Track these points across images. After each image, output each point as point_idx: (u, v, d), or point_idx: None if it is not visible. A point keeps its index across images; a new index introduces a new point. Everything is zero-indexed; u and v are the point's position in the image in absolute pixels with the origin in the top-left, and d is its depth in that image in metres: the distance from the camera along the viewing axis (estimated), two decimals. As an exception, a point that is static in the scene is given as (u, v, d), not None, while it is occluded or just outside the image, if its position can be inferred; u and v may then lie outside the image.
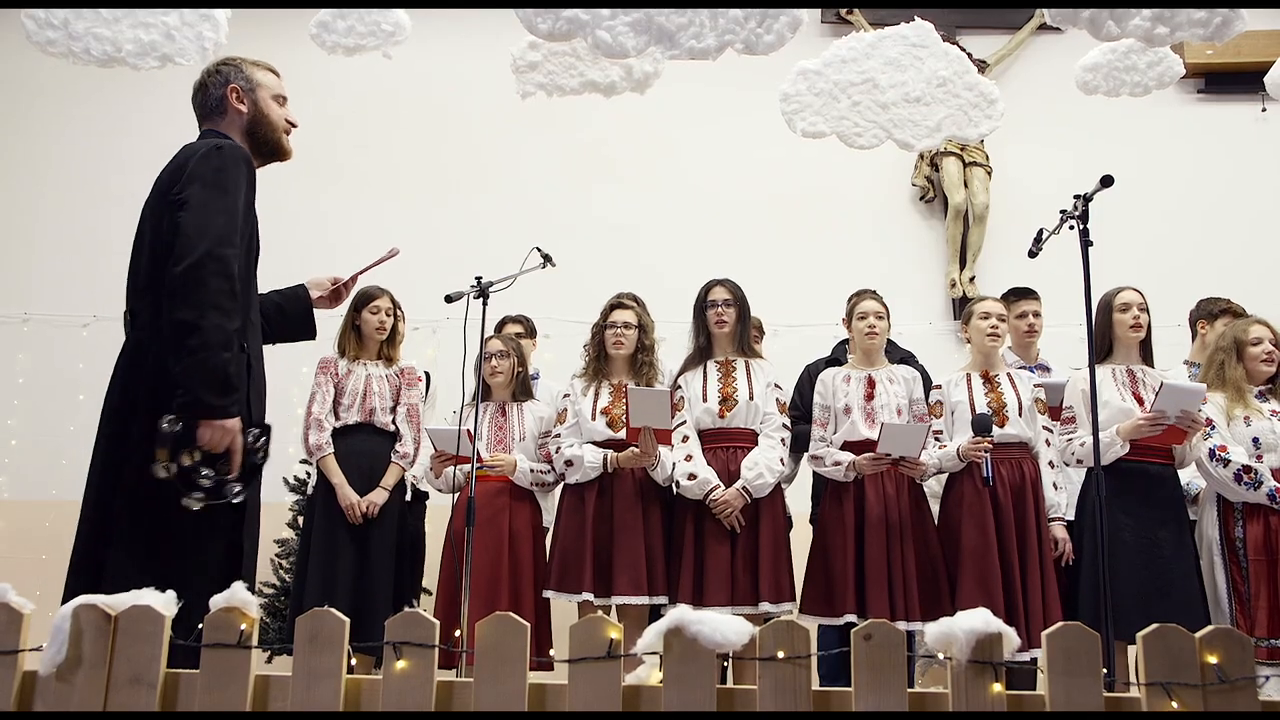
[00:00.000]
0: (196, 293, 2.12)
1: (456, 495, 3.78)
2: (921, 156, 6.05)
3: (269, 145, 2.50)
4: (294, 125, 2.56)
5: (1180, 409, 3.33)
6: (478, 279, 3.49)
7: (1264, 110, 6.14)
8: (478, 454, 3.50)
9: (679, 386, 3.78)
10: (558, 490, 3.90)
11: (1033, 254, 3.24)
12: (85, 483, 2.26)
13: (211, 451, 2.14)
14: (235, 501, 2.19)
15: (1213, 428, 3.45)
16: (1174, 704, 1.51)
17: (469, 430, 3.55)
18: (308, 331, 2.73)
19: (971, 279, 5.95)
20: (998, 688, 1.53)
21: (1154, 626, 1.56)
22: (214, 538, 2.21)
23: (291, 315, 2.68)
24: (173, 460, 2.11)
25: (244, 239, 2.29)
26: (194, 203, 2.18)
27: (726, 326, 3.79)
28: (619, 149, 6.16)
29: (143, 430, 2.15)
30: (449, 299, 3.46)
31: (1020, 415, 3.61)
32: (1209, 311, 4.11)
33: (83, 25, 3.90)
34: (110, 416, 2.26)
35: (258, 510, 2.41)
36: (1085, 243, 3.01)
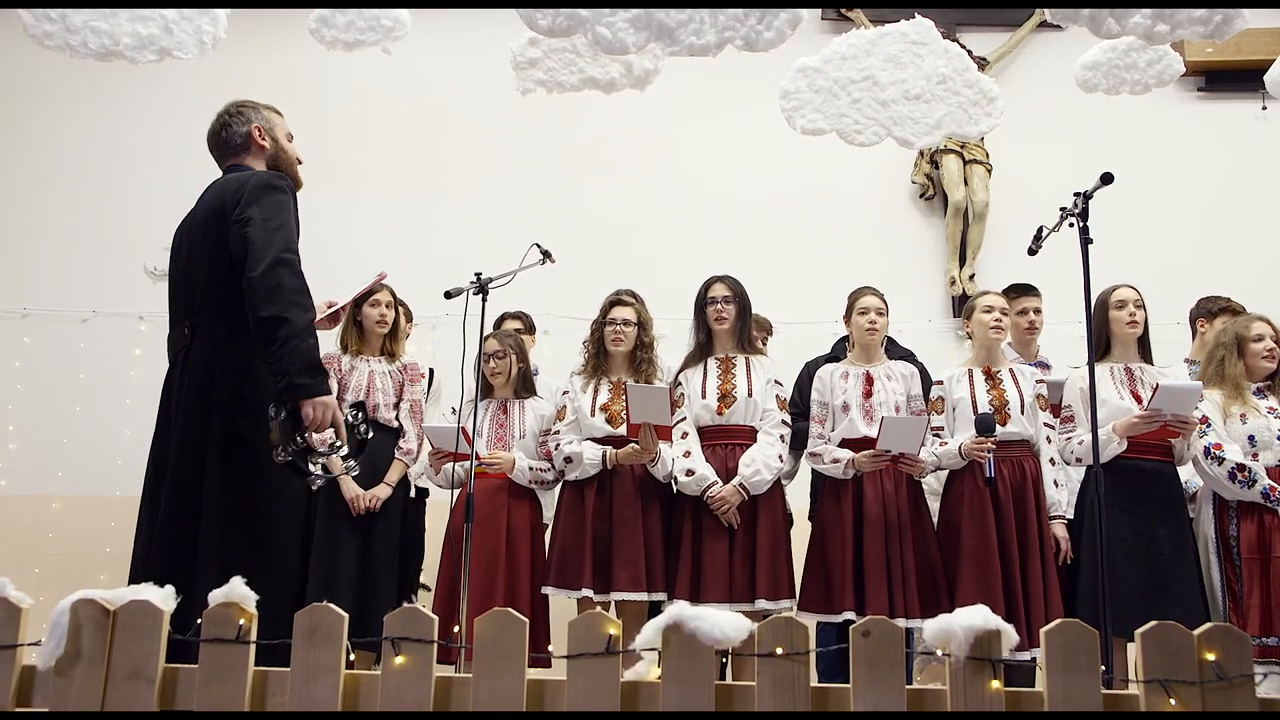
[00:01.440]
0: (276, 292, 2.38)
1: (456, 492, 3.79)
2: (921, 154, 6.04)
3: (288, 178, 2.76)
4: (300, 161, 2.83)
5: (1174, 411, 3.33)
6: (477, 275, 3.49)
7: (1264, 108, 6.14)
8: (475, 452, 3.50)
9: (679, 383, 3.78)
10: (558, 486, 3.90)
11: (1032, 251, 3.24)
12: (145, 485, 2.47)
13: (318, 429, 2.37)
14: (354, 475, 2.54)
15: (1209, 425, 3.45)
16: (1172, 701, 1.51)
17: (465, 429, 3.55)
18: None
19: (971, 276, 5.95)
20: (996, 685, 1.53)
21: (1152, 624, 1.56)
22: (289, 536, 2.48)
23: None
24: (286, 444, 2.33)
25: None
26: (257, 220, 2.46)
27: (726, 323, 3.79)
28: (618, 146, 6.15)
29: (222, 430, 2.40)
30: (448, 295, 3.45)
31: (1022, 413, 3.61)
32: (1208, 310, 4.11)
33: (80, 19, 3.89)
34: (186, 421, 2.44)
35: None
36: (1085, 240, 3.01)
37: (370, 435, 2.56)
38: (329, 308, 2.91)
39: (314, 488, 2.39)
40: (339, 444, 2.41)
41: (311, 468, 2.35)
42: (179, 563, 2.30)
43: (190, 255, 2.60)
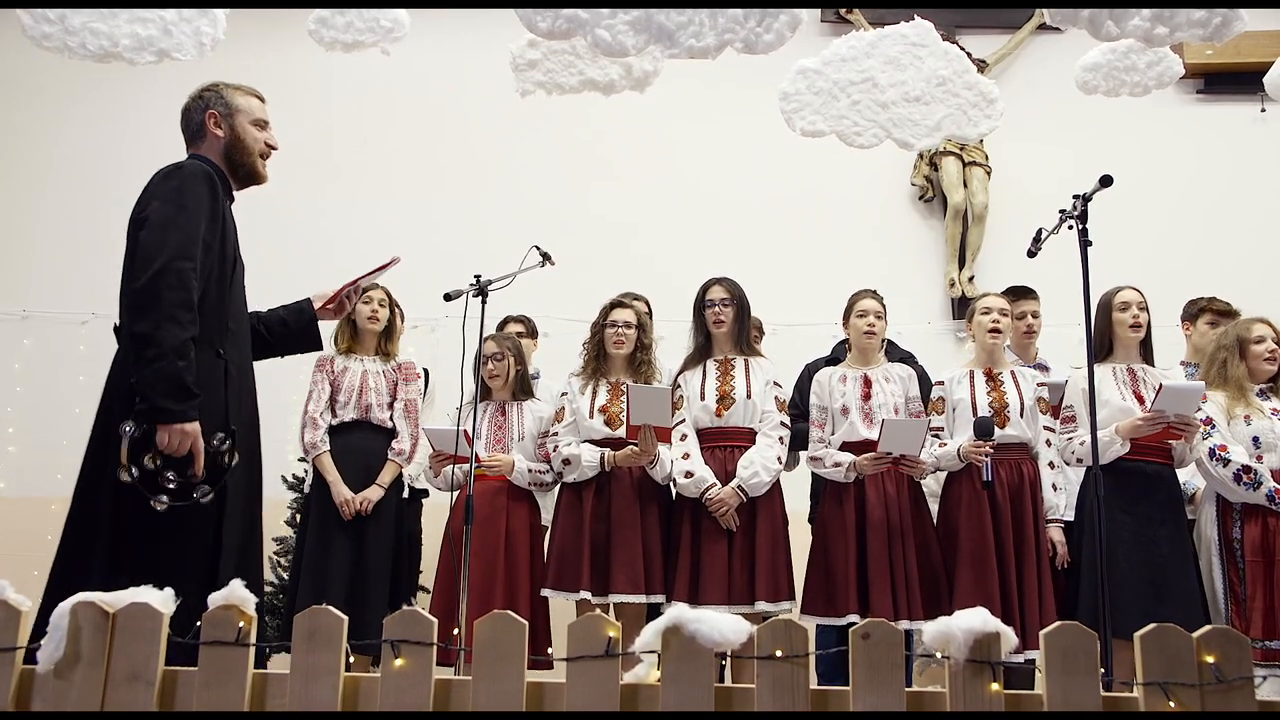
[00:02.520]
0: (153, 306, 2.24)
1: (455, 494, 3.78)
2: (921, 156, 6.05)
3: (245, 169, 2.61)
4: (273, 148, 2.66)
5: (1177, 411, 3.34)
6: (477, 277, 3.49)
7: (1263, 110, 6.14)
8: (475, 454, 3.50)
9: (678, 385, 3.78)
10: (557, 488, 3.90)
11: (1032, 254, 3.24)
12: (75, 484, 2.37)
13: (172, 455, 2.25)
14: (203, 501, 2.30)
15: (1213, 427, 3.45)
16: (1171, 704, 1.51)
17: (466, 431, 3.55)
18: (312, 343, 2.85)
19: (970, 278, 5.95)
20: (995, 687, 1.53)
21: (1152, 626, 1.56)
22: (190, 538, 2.31)
23: (295, 328, 2.79)
24: (133, 464, 2.22)
25: (214, 252, 2.41)
26: (153, 220, 2.31)
27: (725, 325, 3.79)
28: (618, 147, 6.15)
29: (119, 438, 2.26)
30: (448, 297, 3.45)
31: (1022, 415, 3.61)
32: (1190, 313, 4.16)
33: (79, 20, 3.89)
34: (96, 421, 2.38)
35: (251, 508, 2.52)
36: (1084, 242, 3.01)
37: (231, 463, 2.36)
38: (337, 293, 2.80)
39: (158, 509, 2.25)
40: (192, 475, 2.27)
41: (154, 494, 2.24)
42: (73, 573, 2.22)
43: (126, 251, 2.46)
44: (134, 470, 2.22)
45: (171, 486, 2.26)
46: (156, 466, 2.24)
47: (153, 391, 2.23)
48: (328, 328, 4.17)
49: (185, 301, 2.28)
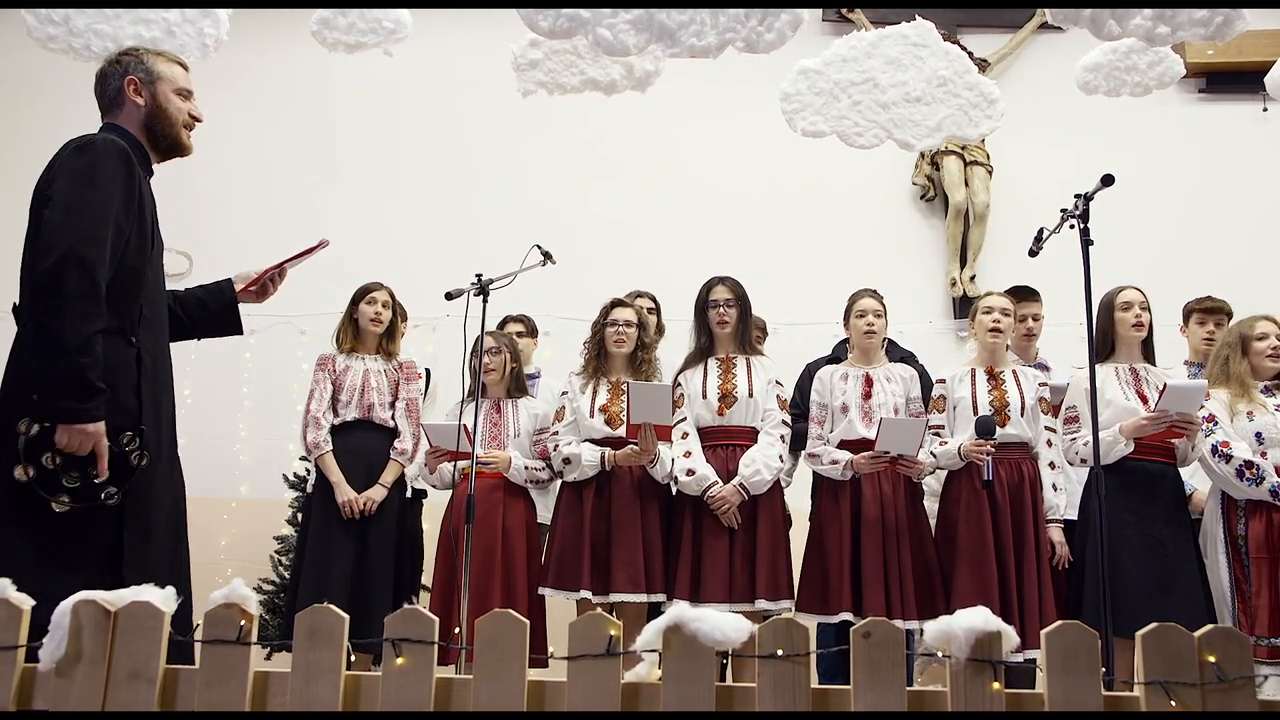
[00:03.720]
0: (55, 295, 2.09)
1: (451, 492, 3.78)
2: (922, 155, 6.05)
3: (167, 140, 2.45)
4: (197, 120, 2.49)
5: (1179, 410, 3.34)
6: (478, 276, 3.50)
7: (1265, 110, 6.14)
8: (473, 451, 3.50)
9: (679, 384, 3.78)
10: (556, 486, 3.90)
11: (1033, 253, 3.24)
12: None
13: (72, 455, 2.11)
14: (110, 503, 2.17)
15: (1215, 424, 3.45)
16: (1173, 703, 1.51)
17: (466, 426, 3.55)
18: (231, 326, 2.66)
19: (972, 278, 5.95)
20: (997, 686, 1.53)
21: (1153, 625, 1.56)
22: (87, 538, 2.17)
23: (214, 309, 2.62)
24: (30, 463, 2.10)
25: (126, 235, 2.25)
26: (59, 200, 2.15)
27: (728, 326, 3.79)
28: (619, 147, 6.15)
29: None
30: (449, 296, 3.46)
31: (1023, 415, 3.61)
32: (1185, 315, 4.16)
33: (83, 21, 3.90)
34: None
35: (178, 506, 2.38)
36: (1086, 242, 3.01)
37: (144, 462, 2.22)
38: (259, 276, 2.64)
39: (57, 510, 2.12)
40: (95, 475, 2.14)
41: (54, 494, 2.12)
42: None
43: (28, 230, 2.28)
44: (30, 470, 2.10)
45: (72, 487, 2.12)
46: (56, 466, 2.11)
47: (51, 388, 2.08)
48: (326, 326, 4.21)
49: (90, 292, 2.11)
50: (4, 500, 2.14)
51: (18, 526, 2.13)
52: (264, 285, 2.66)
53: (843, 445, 3.64)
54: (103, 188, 2.19)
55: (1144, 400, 3.51)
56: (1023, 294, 4.19)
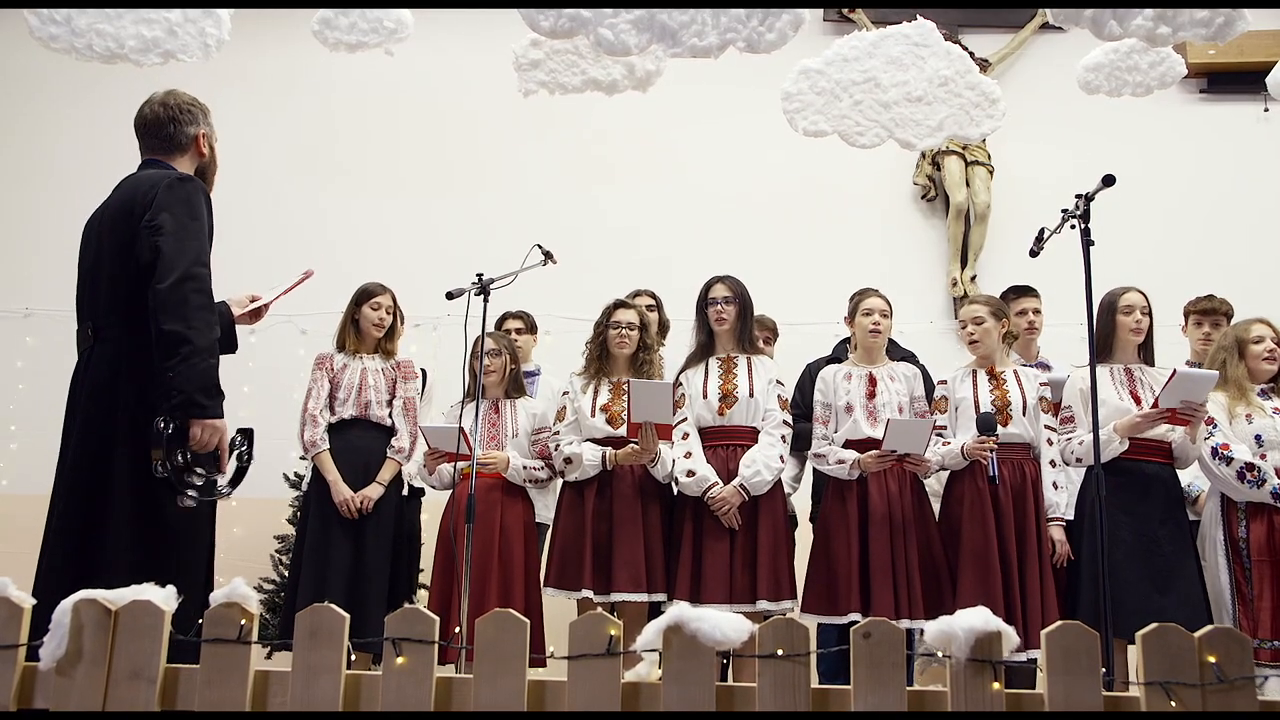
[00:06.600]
0: (181, 307, 2.35)
1: (450, 492, 3.78)
2: (923, 155, 6.05)
3: (207, 186, 2.72)
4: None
5: (1185, 398, 3.31)
6: (478, 276, 3.50)
7: (1266, 110, 6.14)
8: (472, 452, 3.49)
9: (680, 383, 3.78)
10: (557, 485, 3.90)
11: (1034, 253, 3.24)
12: (56, 482, 2.43)
13: (201, 450, 2.35)
14: (223, 499, 2.44)
15: (1215, 426, 3.45)
16: (1173, 704, 1.51)
17: (464, 428, 3.55)
18: (230, 346, 2.84)
19: (973, 278, 5.95)
20: (997, 686, 1.53)
21: (1153, 626, 1.56)
22: (199, 539, 2.45)
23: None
24: (167, 459, 2.29)
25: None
26: (169, 228, 2.42)
27: (727, 324, 3.78)
28: (620, 147, 6.15)
29: (129, 433, 2.36)
30: (450, 296, 3.46)
31: (1024, 415, 3.61)
32: (1185, 316, 4.17)
33: (85, 21, 3.90)
34: (92, 421, 2.42)
35: (213, 511, 2.62)
36: (1086, 242, 3.01)
37: (249, 462, 2.51)
38: (251, 302, 2.84)
39: (182, 505, 2.35)
40: (217, 473, 2.40)
41: (184, 489, 2.33)
42: (87, 566, 2.28)
43: (98, 253, 2.55)
44: (167, 464, 2.28)
45: (199, 482, 2.34)
46: (186, 462, 2.31)
47: (189, 386, 2.32)
48: (327, 325, 4.21)
49: (208, 305, 2.41)
50: (128, 501, 2.34)
51: (145, 525, 2.34)
52: (256, 310, 2.89)
53: (848, 445, 3.64)
54: (200, 220, 2.51)
55: (1138, 401, 3.50)
56: (1021, 291, 4.20)
